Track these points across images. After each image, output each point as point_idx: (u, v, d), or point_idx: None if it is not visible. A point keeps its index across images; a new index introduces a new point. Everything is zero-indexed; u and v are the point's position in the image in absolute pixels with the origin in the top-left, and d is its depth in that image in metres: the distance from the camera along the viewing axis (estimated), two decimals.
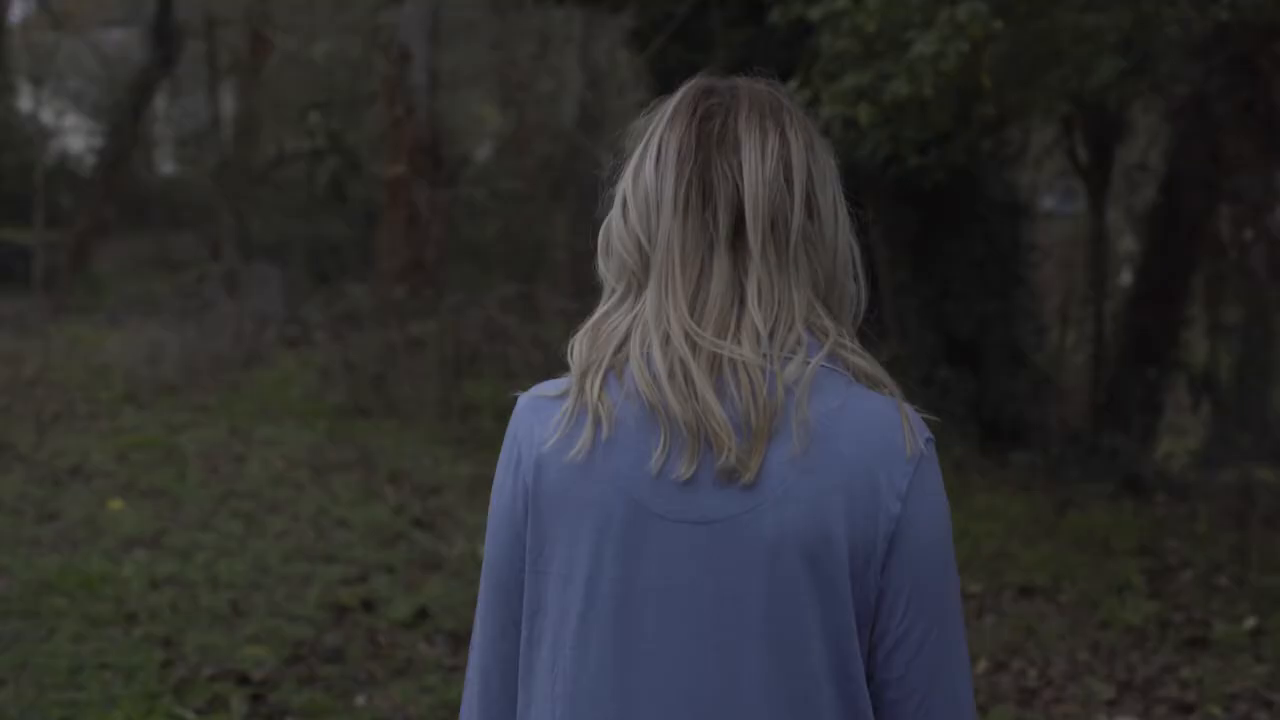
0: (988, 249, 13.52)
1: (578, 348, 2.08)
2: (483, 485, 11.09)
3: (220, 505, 10.22)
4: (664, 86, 8.35)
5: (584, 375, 2.04)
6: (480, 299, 17.38)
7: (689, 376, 1.97)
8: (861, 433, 2.01)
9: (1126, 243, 18.75)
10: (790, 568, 1.97)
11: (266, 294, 20.81)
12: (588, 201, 24.66)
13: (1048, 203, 21.34)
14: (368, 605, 7.96)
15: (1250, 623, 8.16)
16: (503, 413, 11.30)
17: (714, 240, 2.03)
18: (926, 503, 2.03)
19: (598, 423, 2.01)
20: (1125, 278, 17.51)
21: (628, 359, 2.03)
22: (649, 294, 2.05)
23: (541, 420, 2.07)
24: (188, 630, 7.41)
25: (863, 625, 2.02)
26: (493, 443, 12.62)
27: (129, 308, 20.70)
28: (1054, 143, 14.71)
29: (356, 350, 15.19)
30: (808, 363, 2.00)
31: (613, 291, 2.12)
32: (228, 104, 29.16)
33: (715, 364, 1.99)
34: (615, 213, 2.14)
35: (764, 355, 1.99)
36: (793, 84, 9.19)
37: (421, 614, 7.81)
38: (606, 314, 2.10)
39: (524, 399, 2.15)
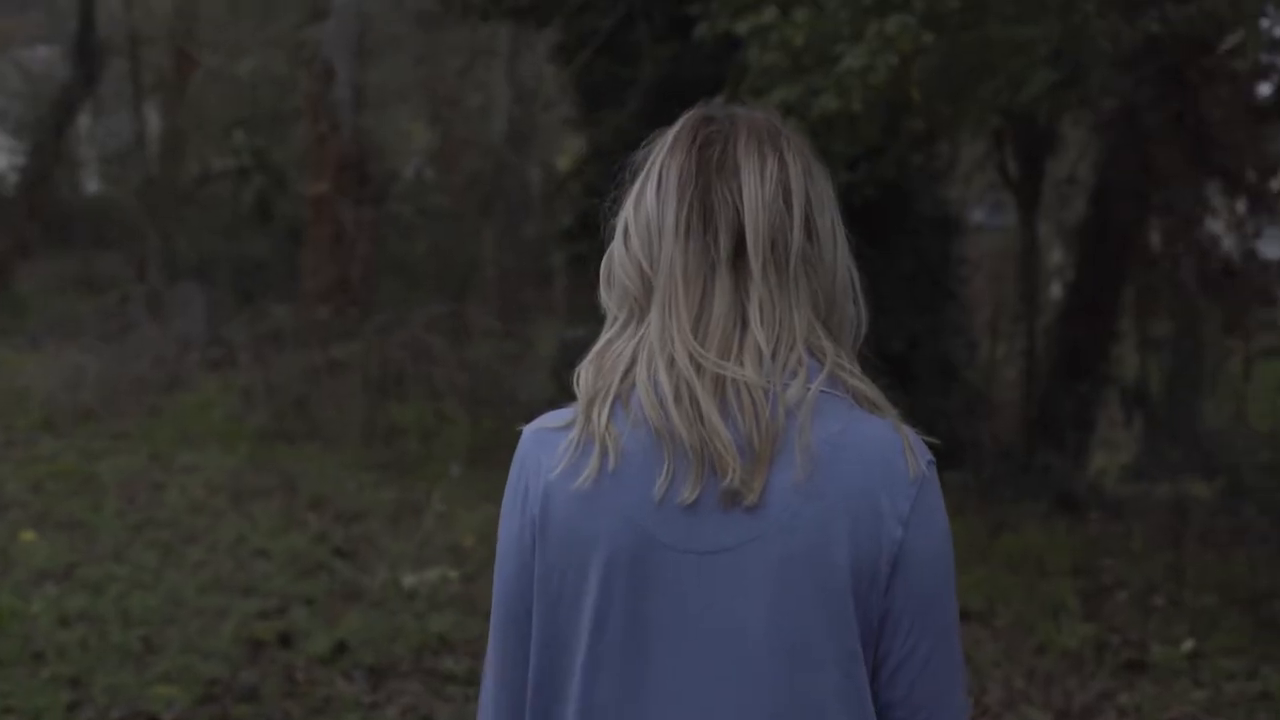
0: (918, 264, 13.36)
1: (583, 377, 2.10)
2: (406, 511, 10.87)
3: (136, 535, 9.95)
4: (590, 101, 8.24)
5: (590, 404, 2.06)
6: (406, 318, 17.16)
7: (694, 398, 2.00)
8: (863, 457, 2.04)
9: (1056, 256, 18.69)
10: (797, 594, 2.00)
11: (190, 315, 20.47)
12: (516, 217, 24.71)
13: (977, 216, 21.23)
14: (285, 640, 7.71)
15: (1188, 645, 8.01)
16: (427, 435, 11.09)
17: (715, 262, 2.07)
18: (929, 525, 2.06)
19: (604, 452, 2.03)
20: (1055, 291, 17.44)
21: (634, 385, 2.05)
22: (652, 317, 2.07)
23: (547, 451, 2.09)
24: (97, 669, 7.16)
25: (866, 646, 2.04)
26: (417, 466, 12.42)
27: (50, 330, 20.30)
28: (984, 156, 14.59)
29: (279, 372, 14.90)
30: (808, 387, 2.03)
31: (615, 319, 2.14)
32: (153, 122, 28.80)
33: (719, 385, 2.01)
34: (617, 242, 2.16)
35: (766, 376, 2.02)
36: (719, 99, 9.01)
37: (340, 648, 7.57)
38: (610, 341, 2.13)
39: (528, 431, 2.16)
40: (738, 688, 2.00)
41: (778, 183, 2.09)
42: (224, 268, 24.13)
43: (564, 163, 25.65)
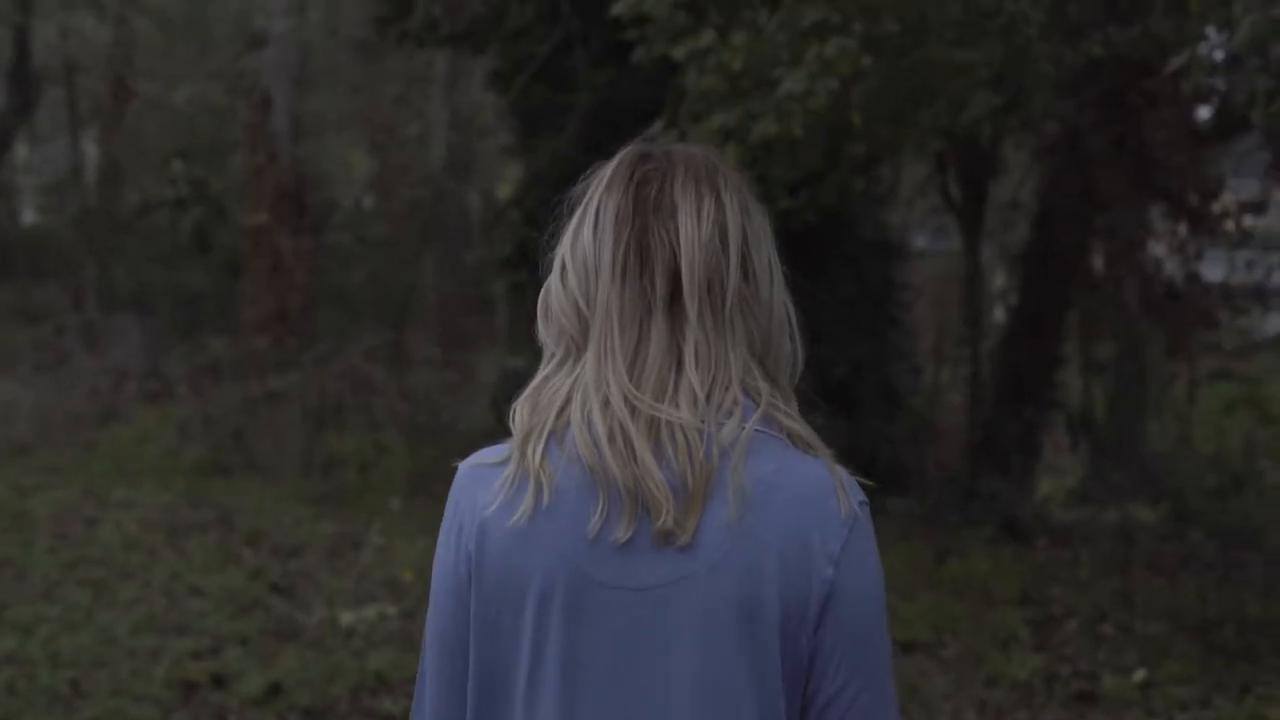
0: (860, 289, 13.27)
1: (519, 413, 2.10)
2: (344, 545, 10.69)
3: (68, 573, 9.73)
4: (527, 128, 8.09)
5: (525, 441, 2.06)
6: (345, 348, 16.99)
7: (628, 440, 2.01)
8: (796, 497, 2.04)
9: (1000, 280, 18.65)
10: (724, 631, 2.00)
11: (127, 346, 20.23)
12: (455, 245, 24.55)
13: (920, 241, 21.18)
14: (218, 681, 7.53)
15: (1139, 675, 7.90)
16: (366, 466, 10.90)
17: (652, 305, 2.07)
18: (859, 565, 2.05)
19: (539, 489, 2.03)
20: (999, 315, 17.38)
21: (569, 423, 2.05)
22: (588, 358, 2.08)
23: (483, 487, 2.10)
24: (24, 714, 6.97)
25: (794, 684, 2.04)
26: (356, 499, 12.24)
27: None
28: (926, 180, 14.51)
29: (215, 404, 14.69)
30: (743, 426, 2.04)
31: (552, 355, 2.14)
32: (91, 152, 28.55)
33: (654, 427, 2.02)
34: (554, 278, 2.16)
35: (701, 418, 2.02)
36: (658, 125, 8.92)
37: (275, 690, 7.39)
38: (546, 378, 2.13)
39: (464, 467, 2.16)
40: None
41: (714, 223, 2.10)
42: (162, 298, 23.91)
43: (504, 190, 25.54)
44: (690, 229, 2.08)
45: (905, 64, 8.85)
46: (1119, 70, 11.82)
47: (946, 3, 8.84)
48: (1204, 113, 13.85)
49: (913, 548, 10.57)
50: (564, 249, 2.16)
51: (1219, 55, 10.68)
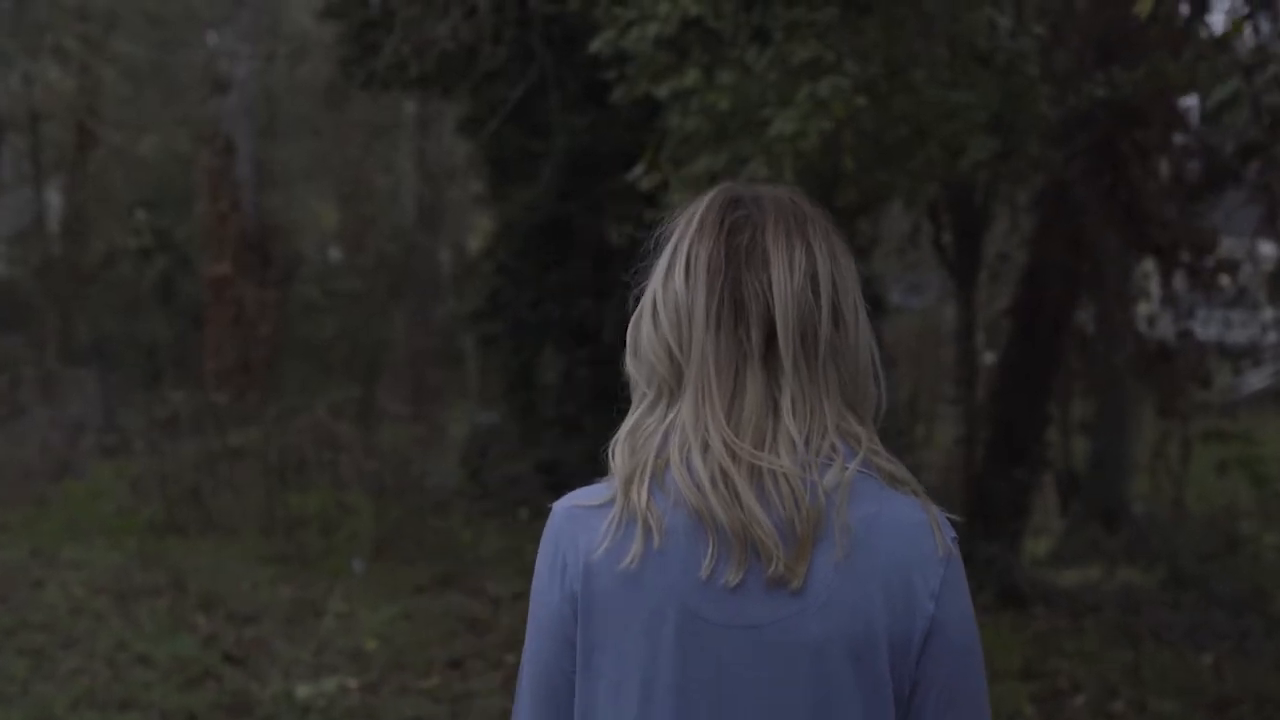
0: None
1: (619, 454, 2.15)
2: (304, 611, 10.11)
3: (6, 640, 9.12)
4: (500, 175, 7.57)
5: (629, 482, 2.11)
6: (311, 403, 16.46)
7: (731, 485, 2.05)
8: (897, 536, 2.10)
9: (980, 337, 18.17)
10: (835, 668, 2.05)
11: (85, 399, 19.64)
12: (426, 298, 24.10)
13: (894, 297, 20.70)
14: None
15: None
16: (329, 526, 10.31)
17: (748, 354, 2.12)
18: (957, 600, 2.12)
19: (648, 531, 2.07)
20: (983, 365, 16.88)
21: (668, 464, 2.09)
22: (685, 404, 2.13)
23: (586, 529, 2.13)
24: None
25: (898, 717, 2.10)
26: (318, 561, 11.66)
27: None
28: (912, 232, 13.99)
29: (171, 459, 14.07)
30: (845, 469, 2.08)
31: (644, 396, 2.19)
32: (56, 202, 28.03)
33: (756, 474, 2.06)
34: (645, 319, 2.20)
35: (802, 464, 2.07)
36: (638, 169, 8.43)
37: None
38: (640, 420, 2.17)
39: (561, 508, 2.19)
40: None
41: (806, 273, 2.14)
42: (127, 350, 23.39)
43: (475, 242, 25.10)
44: (783, 280, 2.12)
45: (899, 106, 8.39)
46: (1110, 119, 11.44)
47: (933, 42, 8.40)
48: (1193, 166, 13.46)
49: None
50: (654, 290, 2.20)
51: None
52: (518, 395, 13.88)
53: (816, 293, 2.13)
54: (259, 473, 13.67)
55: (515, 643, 8.38)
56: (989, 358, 15.60)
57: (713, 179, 8.02)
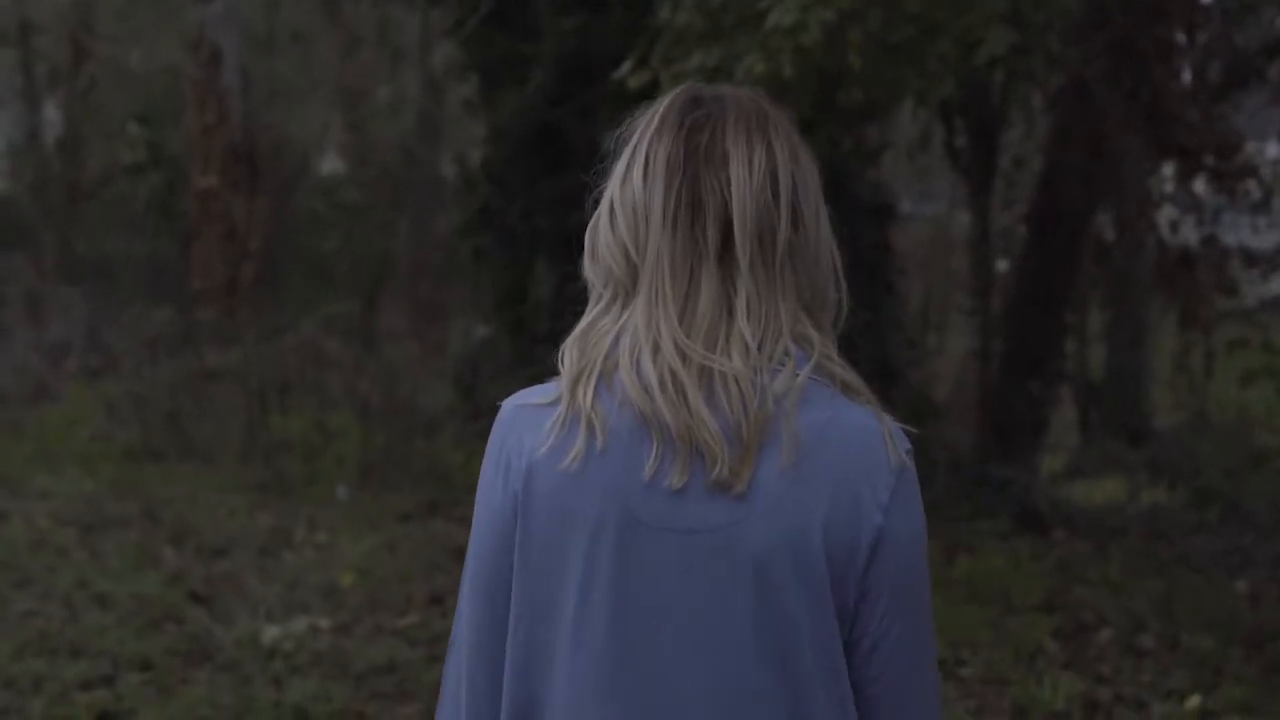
0: (854, 255, 12.04)
1: (568, 355, 2.13)
2: (280, 542, 9.55)
3: None
4: (489, 81, 6.89)
5: (575, 382, 2.09)
6: (301, 321, 15.90)
7: (680, 387, 2.04)
8: (847, 446, 2.08)
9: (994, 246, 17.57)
10: (778, 576, 2.03)
11: (73, 320, 19.02)
12: (428, 211, 23.59)
13: (904, 204, 20.09)
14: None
15: (1194, 701, 6.76)
16: (312, 452, 9.72)
17: (703, 254, 2.10)
18: (907, 513, 2.10)
19: (591, 431, 2.06)
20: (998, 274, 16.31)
21: (617, 365, 2.08)
22: (638, 304, 2.10)
23: (531, 427, 2.11)
24: None
25: (841, 627, 2.08)
26: (300, 487, 11.10)
27: None
28: (925, 134, 13.31)
29: (149, 382, 13.44)
30: (796, 374, 2.07)
31: (599, 297, 2.17)
32: (54, 118, 27.51)
33: (706, 376, 2.05)
34: (603, 220, 2.18)
35: (753, 368, 2.06)
36: (626, 66, 7.83)
37: None
38: (594, 321, 2.15)
39: (509, 406, 2.19)
40: (720, 664, 2.03)
41: (766, 173, 2.12)
42: (124, 269, 22.85)
43: (478, 154, 24.54)
44: (742, 179, 2.11)
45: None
46: (1130, 17, 10.85)
47: None
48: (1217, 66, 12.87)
49: None
50: (612, 192, 2.17)
51: None
52: (509, 310, 13.26)
53: (776, 193, 2.11)
54: (238, 396, 13.07)
55: None
56: (1003, 266, 15.01)
57: (709, 77, 7.48)
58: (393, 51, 25.43)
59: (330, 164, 30.00)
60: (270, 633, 7.54)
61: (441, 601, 8.28)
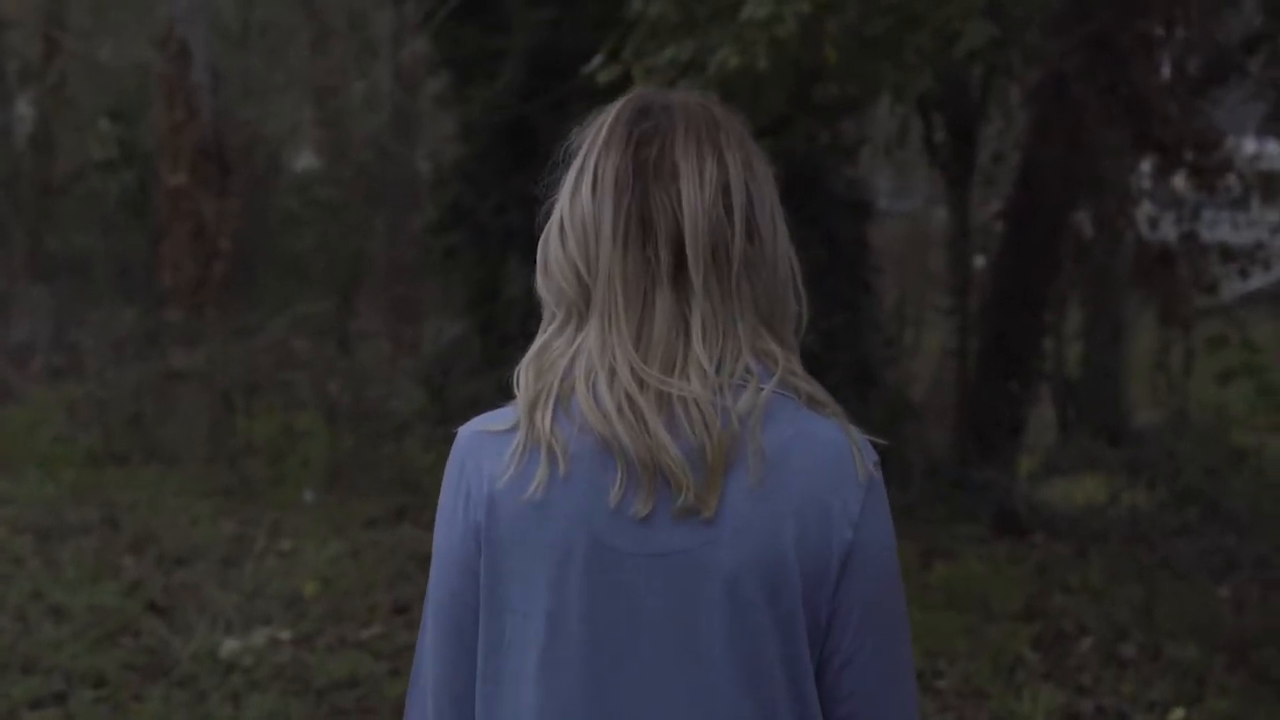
0: (830, 253, 11.85)
1: (523, 378, 2.09)
2: (244, 550, 9.31)
3: None
4: (460, 77, 6.67)
5: (533, 407, 2.05)
6: (270, 322, 15.68)
7: (639, 413, 1.99)
8: (814, 460, 2.05)
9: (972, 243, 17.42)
10: (748, 596, 2.00)
11: (39, 319, 18.77)
12: (403, 209, 23.43)
13: (881, 200, 19.94)
14: None
15: (1177, 714, 6.58)
16: (279, 455, 9.49)
17: (656, 275, 2.06)
18: (876, 527, 2.07)
19: (553, 458, 2.02)
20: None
21: (573, 389, 2.04)
22: (592, 327, 2.06)
23: (490, 455, 2.08)
24: None
25: (813, 645, 2.05)
26: (265, 493, 10.87)
27: None
28: (902, 129, 13.10)
29: (114, 384, 13.19)
30: (760, 390, 2.03)
31: (553, 316, 2.13)
32: (25, 114, 27.28)
33: (664, 401, 2.01)
34: (553, 236, 2.14)
35: (713, 389, 2.01)
36: (598, 59, 7.62)
37: None
38: (548, 342, 2.11)
39: (466, 433, 2.15)
40: (694, 687, 2.00)
41: (717, 186, 2.07)
42: (97, 267, 22.64)
43: (453, 149, 24.34)
44: (693, 194, 2.06)
45: None
46: (1109, 10, 10.69)
47: None
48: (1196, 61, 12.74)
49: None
50: (562, 207, 2.13)
51: None
52: (481, 310, 13.03)
53: (729, 206, 2.06)
54: (204, 397, 12.83)
55: None
56: (980, 262, 14.83)
57: (682, 70, 7.32)
58: (365, 46, 25.22)
59: (306, 161, 29.81)
60: (229, 646, 7.32)
61: (407, 611, 8.06)
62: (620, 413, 1.98)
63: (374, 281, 24.93)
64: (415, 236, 24.86)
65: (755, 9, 6.75)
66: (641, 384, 2.00)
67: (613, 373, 2.01)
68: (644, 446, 1.97)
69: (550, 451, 2.00)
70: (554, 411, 2.02)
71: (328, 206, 26.54)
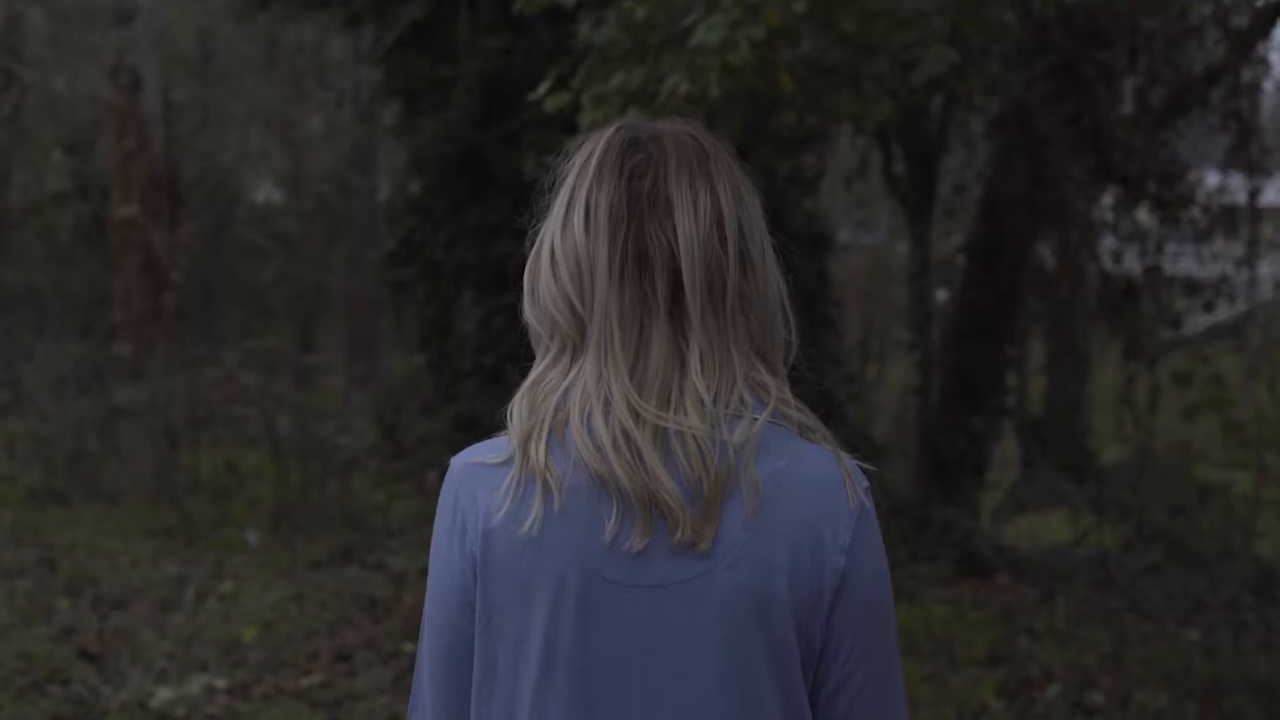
0: (791, 287, 11.63)
1: (517, 410, 2.07)
2: (183, 593, 9.01)
3: None
4: (410, 105, 6.31)
5: (527, 440, 2.03)
6: (217, 355, 15.41)
7: (635, 447, 1.99)
8: (806, 490, 2.05)
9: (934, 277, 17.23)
10: (742, 626, 2.00)
11: None
12: (363, 240, 23.20)
13: (842, 233, 19.75)
14: None
15: None
16: (221, 494, 9.19)
17: (653, 308, 2.06)
18: (868, 554, 2.06)
19: (548, 492, 2.01)
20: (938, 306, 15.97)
21: (567, 422, 2.02)
22: (587, 360, 2.06)
23: (486, 488, 2.06)
24: None
25: (806, 672, 2.05)
26: (209, 531, 10.58)
27: None
28: (862, 162, 12.91)
29: (56, 421, 12.87)
30: (754, 420, 2.03)
31: (546, 349, 2.12)
32: None
33: (661, 436, 2.00)
34: (544, 266, 2.12)
35: (711, 422, 2.01)
36: (543, 87, 7.36)
37: None
38: (542, 375, 2.10)
39: (459, 465, 2.12)
40: (686, 717, 2.00)
41: (711, 219, 2.07)
42: (51, 300, 22.35)
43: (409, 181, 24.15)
44: (688, 228, 2.06)
45: (841, 15, 7.34)
46: (1071, 40, 10.52)
47: None
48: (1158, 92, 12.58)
49: None
50: (552, 237, 2.11)
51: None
52: (434, 345, 12.76)
53: (723, 239, 2.07)
54: (148, 434, 12.52)
55: (414, 628, 7.37)
56: (943, 295, 14.65)
57: (630, 98, 7.08)
58: (320, 77, 24.98)
59: (266, 193, 29.61)
60: (162, 695, 7.02)
61: (349, 659, 7.78)
62: (615, 447, 1.98)
63: (332, 316, 24.70)
64: (374, 270, 24.72)
65: (707, 34, 6.51)
66: (637, 418, 1.99)
67: (608, 405, 2.00)
68: (640, 482, 1.97)
69: (545, 485, 2.00)
70: (548, 445, 2.01)
71: (287, 239, 26.32)
